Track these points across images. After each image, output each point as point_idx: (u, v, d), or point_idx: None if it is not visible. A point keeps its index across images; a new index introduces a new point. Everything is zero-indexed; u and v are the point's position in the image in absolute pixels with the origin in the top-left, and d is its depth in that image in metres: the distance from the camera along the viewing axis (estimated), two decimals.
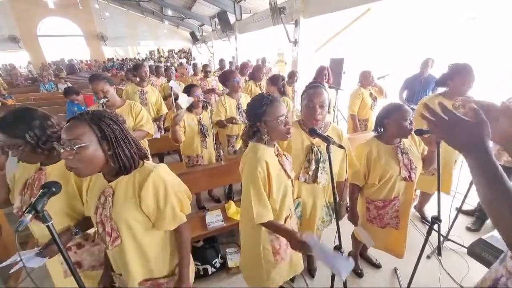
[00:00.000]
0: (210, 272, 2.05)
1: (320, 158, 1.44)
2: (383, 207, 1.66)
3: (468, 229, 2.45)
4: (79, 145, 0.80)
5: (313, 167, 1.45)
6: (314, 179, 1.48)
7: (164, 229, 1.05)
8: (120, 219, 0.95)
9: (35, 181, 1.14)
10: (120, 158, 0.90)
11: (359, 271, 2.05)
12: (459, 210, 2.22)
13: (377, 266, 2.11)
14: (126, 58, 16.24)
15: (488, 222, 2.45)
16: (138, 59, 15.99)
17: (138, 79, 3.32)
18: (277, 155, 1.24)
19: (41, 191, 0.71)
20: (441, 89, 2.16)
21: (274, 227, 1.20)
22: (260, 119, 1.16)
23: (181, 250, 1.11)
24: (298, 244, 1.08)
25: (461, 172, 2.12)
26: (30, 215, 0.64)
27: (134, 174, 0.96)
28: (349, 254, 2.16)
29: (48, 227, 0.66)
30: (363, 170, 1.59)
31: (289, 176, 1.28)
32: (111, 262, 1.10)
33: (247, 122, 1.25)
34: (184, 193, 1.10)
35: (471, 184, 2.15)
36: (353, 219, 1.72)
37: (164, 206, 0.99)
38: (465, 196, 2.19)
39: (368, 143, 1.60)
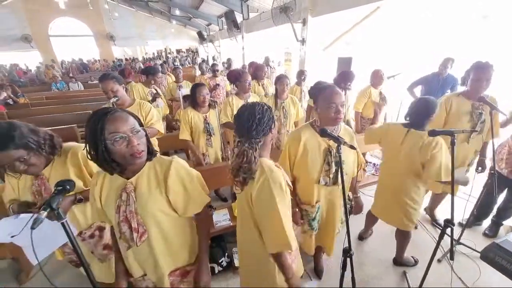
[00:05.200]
0: (216, 271, 2.05)
1: (339, 160, 1.41)
2: None
3: (486, 235, 2.38)
4: (140, 129, 0.88)
5: (333, 169, 1.43)
6: (335, 181, 1.46)
7: (193, 213, 1.09)
8: (146, 212, 0.97)
9: (41, 187, 1.18)
10: (149, 140, 0.97)
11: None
12: (472, 213, 2.16)
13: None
14: (136, 59, 16.37)
15: (503, 227, 2.39)
16: (148, 58, 16.07)
17: (152, 82, 3.34)
18: (276, 166, 1.12)
19: (55, 189, 0.72)
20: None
21: (288, 264, 1.08)
22: (273, 124, 1.08)
23: (203, 231, 1.18)
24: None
25: (475, 175, 2.08)
26: (45, 213, 0.65)
27: (154, 166, 1.00)
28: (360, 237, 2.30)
29: (62, 224, 0.67)
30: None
31: (290, 186, 1.20)
32: (132, 265, 1.08)
33: (252, 139, 1.02)
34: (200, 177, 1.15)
35: (484, 187, 2.10)
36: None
37: (192, 189, 1.05)
38: (479, 198, 2.13)
39: (437, 138, 1.59)
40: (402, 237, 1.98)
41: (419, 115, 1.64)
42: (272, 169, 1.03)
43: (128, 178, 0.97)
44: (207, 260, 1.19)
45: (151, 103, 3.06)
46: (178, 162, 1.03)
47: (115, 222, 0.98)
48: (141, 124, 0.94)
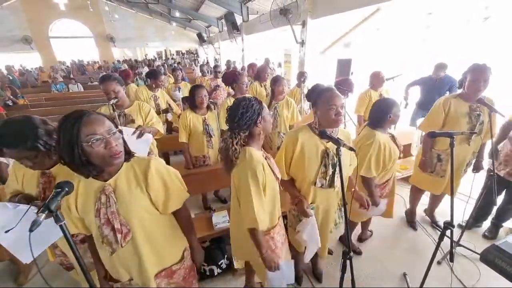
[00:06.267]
0: (216, 273, 2.04)
1: (336, 163, 1.43)
2: (385, 187, 1.96)
3: (485, 237, 2.38)
4: (116, 131, 0.90)
5: (330, 172, 1.43)
6: (331, 184, 1.47)
7: (173, 209, 1.11)
8: (128, 212, 0.97)
9: (47, 184, 1.18)
10: (125, 142, 0.98)
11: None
12: (471, 215, 2.16)
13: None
14: (136, 60, 16.32)
15: (502, 229, 2.39)
16: (151, 59, 16.02)
17: (154, 85, 3.34)
18: (265, 158, 1.25)
19: (54, 191, 0.72)
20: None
21: (259, 241, 1.23)
22: (260, 118, 1.18)
23: (188, 224, 1.24)
24: (275, 266, 1.26)
25: (474, 176, 2.08)
26: (44, 215, 0.65)
27: (132, 167, 1.01)
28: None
29: (60, 226, 0.67)
30: (377, 161, 1.73)
31: (277, 178, 1.30)
32: (118, 269, 1.07)
33: (235, 130, 1.18)
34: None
35: (483, 189, 2.10)
36: (377, 201, 1.82)
37: (171, 185, 1.07)
38: (478, 200, 2.13)
39: (376, 137, 1.71)
40: (353, 226, 2.22)
41: (374, 115, 1.77)
42: (253, 157, 1.16)
43: (105, 181, 0.96)
44: (199, 247, 1.31)
45: (162, 113, 3.19)
46: (157, 160, 1.06)
47: (95, 227, 0.97)
48: (116, 126, 0.93)
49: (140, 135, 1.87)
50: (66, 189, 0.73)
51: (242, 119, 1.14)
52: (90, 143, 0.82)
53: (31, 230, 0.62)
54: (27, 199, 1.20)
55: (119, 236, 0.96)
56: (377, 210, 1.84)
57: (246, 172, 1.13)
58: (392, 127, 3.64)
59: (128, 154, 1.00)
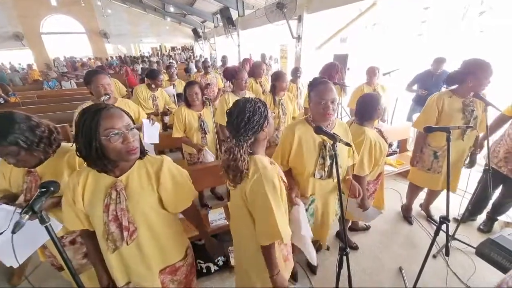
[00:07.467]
0: (213, 271, 2.04)
1: (334, 154, 1.42)
2: (377, 182, 1.97)
3: (481, 230, 2.40)
4: (134, 126, 0.89)
5: (328, 162, 1.43)
6: (330, 175, 1.47)
7: (184, 207, 1.11)
8: (137, 210, 0.96)
9: (32, 184, 1.15)
10: (140, 139, 0.96)
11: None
12: (467, 209, 2.18)
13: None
14: (131, 56, 16.02)
15: (497, 223, 2.41)
16: (146, 56, 15.72)
17: (153, 86, 3.29)
18: (271, 163, 1.13)
19: (39, 191, 0.69)
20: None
21: (273, 259, 1.09)
22: (266, 121, 1.04)
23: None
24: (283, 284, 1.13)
25: (470, 171, 2.09)
26: (27, 216, 0.62)
27: (144, 165, 1.00)
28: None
29: (46, 227, 0.64)
30: (369, 159, 1.70)
31: (285, 182, 1.20)
32: (115, 271, 1.04)
33: (241, 137, 1.01)
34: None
35: (479, 183, 2.11)
36: (367, 205, 1.78)
37: (183, 184, 1.07)
38: (473, 194, 2.14)
39: (366, 133, 1.67)
40: (347, 222, 2.25)
41: (363, 110, 1.75)
42: (266, 166, 1.03)
43: (117, 177, 0.95)
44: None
45: (160, 115, 3.28)
46: (168, 159, 1.06)
47: (101, 223, 0.95)
48: (133, 122, 0.92)
49: (153, 122, 2.38)
50: (52, 188, 0.70)
51: (249, 123, 0.99)
52: (108, 137, 0.81)
53: (13, 232, 0.59)
54: (8, 199, 1.17)
55: (125, 233, 0.95)
56: (365, 216, 1.82)
57: (263, 184, 0.99)
58: (389, 122, 3.65)
59: (142, 153, 0.99)
